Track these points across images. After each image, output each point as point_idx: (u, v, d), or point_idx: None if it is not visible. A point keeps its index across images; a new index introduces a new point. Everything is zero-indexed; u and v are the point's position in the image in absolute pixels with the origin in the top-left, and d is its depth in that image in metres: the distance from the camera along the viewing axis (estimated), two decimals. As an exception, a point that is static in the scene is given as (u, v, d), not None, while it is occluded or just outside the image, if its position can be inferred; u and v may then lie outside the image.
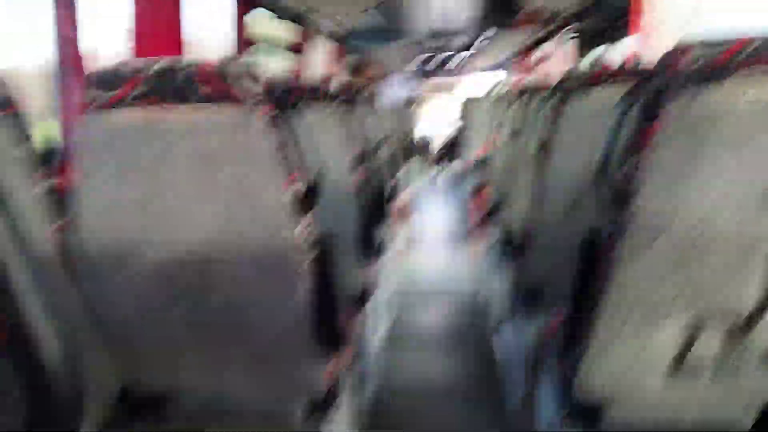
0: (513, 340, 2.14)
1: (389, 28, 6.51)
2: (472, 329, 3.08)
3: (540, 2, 5.61)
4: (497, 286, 2.89)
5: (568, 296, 1.89)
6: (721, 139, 0.90)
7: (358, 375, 2.13)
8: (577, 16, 5.25)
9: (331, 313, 1.25)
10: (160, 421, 1.37)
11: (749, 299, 1.05)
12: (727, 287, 1.04)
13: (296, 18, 4.17)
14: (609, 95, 1.59)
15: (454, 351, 2.84)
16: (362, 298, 2.07)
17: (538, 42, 7.32)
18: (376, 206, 2.18)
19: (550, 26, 5.87)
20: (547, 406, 1.42)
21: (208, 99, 0.98)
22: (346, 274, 1.95)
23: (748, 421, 1.22)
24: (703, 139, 0.91)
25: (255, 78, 0.99)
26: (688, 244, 0.99)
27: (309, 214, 1.11)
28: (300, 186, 1.07)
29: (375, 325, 2.38)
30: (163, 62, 0.98)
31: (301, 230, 1.09)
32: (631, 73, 1.56)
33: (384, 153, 2.44)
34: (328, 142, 1.71)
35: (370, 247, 1.96)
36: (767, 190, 0.93)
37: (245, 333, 1.22)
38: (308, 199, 1.10)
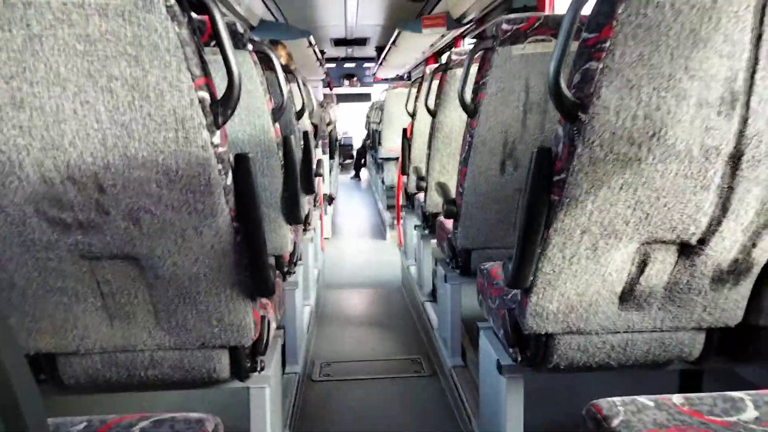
0: (449, 302, 2.13)
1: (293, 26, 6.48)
2: (399, 310, 3.08)
3: (447, 5, 5.82)
4: (426, 260, 2.90)
5: (506, 246, 1.92)
6: (675, 41, 0.86)
7: (284, 342, 2.02)
8: (483, 19, 5.49)
9: (256, 253, 1.07)
10: (54, 385, 1.18)
11: (702, 219, 1.02)
12: (680, 207, 1.00)
13: None
14: (534, 47, 1.64)
15: (385, 326, 2.82)
16: (290, 260, 1.96)
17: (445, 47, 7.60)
18: (302, 174, 2.08)
19: (456, 29, 6.10)
20: (493, 352, 1.39)
21: None
22: (271, 229, 1.82)
23: (698, 346, 1.21)
24: (657, 44, 0.86)
25: None
26: (641, 161, 0.94)
27: (221, 128, 0.94)
28: (209, 92, 0.90)
29: (301, 297, 2.28)
30: None
31: (216, 144, 0.92)
32: (553, 22, 1.60)
33: (308, 135, 2.36)
34: (244, 84, 1.57)
35: (296, 211, 1.86)
36: (725, 96, 0.89)
37: (152, 271, 1.04)
38: (222, 110, 0.92)
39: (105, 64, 0.83)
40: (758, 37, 0.86)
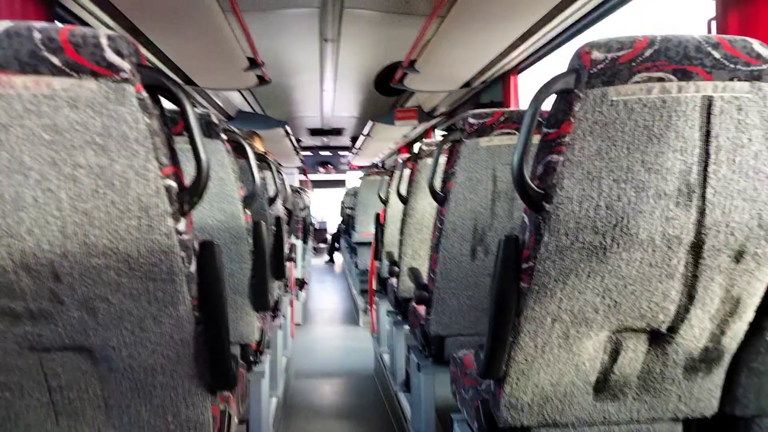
0: (422, 392, 2.05)
1: (270, 116, 6.69)
2: (372, 400, 2.96)
3: (418, 100, 6.11)
4: (399, 347, 2.83)
5: (479, 333, 1.89)
6: (630, 137, 0.90)
7: None
8: (453, 113, 5.75)
9: (217, 342, 1.03)
10: None
11: (670, 307, 1.02)
12: (647, 295, 1.01)
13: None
14: (500, 139, 1.71)
15: (357, 418, 2.69)
16: (257, 348, 1.88)
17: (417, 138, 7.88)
18: (273, 259, 2.05)
19: (428, 121, 6.36)
20: None
21: (63, 70, 0.81)
22: (238, 316, 1.77)
23: None
24: (614, 139, 0.90)
25: (122, 52, 0.81)
26: (606, 250, 0.95)
27: (187, 216, 0.93)
28: (176, 181, 0.89)
29: (267, 387, 2.17)
30: (6, 25, 0.81)
31: (181, 231, 0.91)
32: (518, 117, 1.68)
33: (280, 221, 2.37)
34: (214, 172, 1.59)
35: (264, 298, 1.81)
36: (682, 188, 0.92)
37: (106, 363, 0.99)
38: (189, 198, 0.91)
39: (71, 153, 0.83)
40: (707, 134, 0.91)
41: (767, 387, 1.13)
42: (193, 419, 1.06)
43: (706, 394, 1.12)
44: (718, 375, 1.12)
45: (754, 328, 1.07)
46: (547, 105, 0.97)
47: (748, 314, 1.04)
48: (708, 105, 0.90)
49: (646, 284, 0.99)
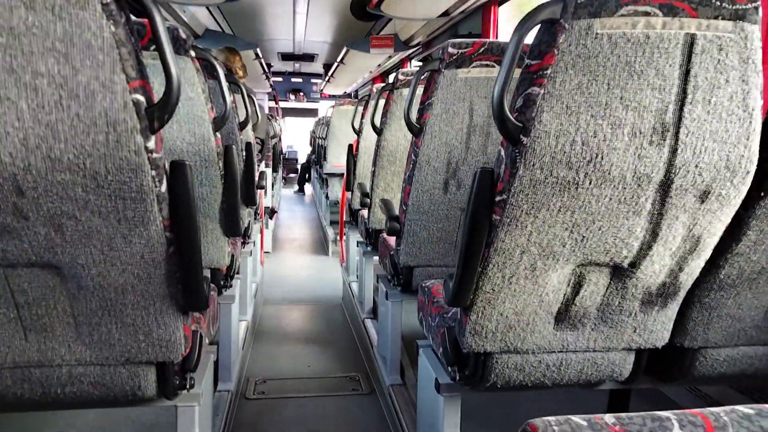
0: (390, 320, 2.12)
1: (239, 37, 6.40)
2: (339, 327, 3.04)
3: (395, 28, 5.92)
4: (368, 277, 2.89)
5: (447, 264, 1.94)
6: (612, 72, 0.90)
7: (216, 359, 1.95)
8: (429, 43, 5.61)
9: (189, 265, 1.03)
10: None
11: (634, 243, 1.05)
12: (613, 231, 1.03)
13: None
14: (479, 71, 1.69)
15: (324, 343, 2.77)
16: (227, 273, 1.89)
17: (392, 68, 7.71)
18: (243, 186, 2.02)
19: (404, 51, 6.21)
20: (432, 371, 1.39)
21: None
22: (209, 241, 1.76)
23: (628, 366, 1.25)
24: (595, 73, 0.90)
25: None
26: (578, 186, 0.97)
27: (157, 134, 0.89)
28: (145, 95, 0.85)
29: (237, 311, 2.21)
30: None
31: (150, 149, 0.87)
32: (498, 49, 1.65)
33: (251, 147, 2.32)
34: (183, 91, 1.51)
35: (235, 224, 1.80)
36: (657, 127, 0.93)
37: (75, 281, 0.97)
38: (159, 114, 0.87)
39: (30, 59, 0.78)
40: (686, 72, 0.91)
41: (716, 321, 1.21)
42: (164, 338, 1.07)
43: (660, 327, 1.19)
44: (672, 309, 1.18)
45: (710, 265, 1.13)
46: (529, 39, 0.95)
47: (706, 252, 1.09)
48: (690, 43, 0.90)
49: (613, 220, 1.02)
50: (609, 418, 0.93)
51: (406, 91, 2.28)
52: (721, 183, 0.99)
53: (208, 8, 5.24)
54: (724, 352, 1.27)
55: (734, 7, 0.89)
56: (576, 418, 0.94)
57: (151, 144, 0.88)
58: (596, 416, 0.95)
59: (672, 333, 1.22)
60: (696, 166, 0.96)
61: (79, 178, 0.86)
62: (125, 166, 0.86)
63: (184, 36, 1.49)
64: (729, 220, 1.06)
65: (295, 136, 12.77)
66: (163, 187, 0.93)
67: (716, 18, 0.89)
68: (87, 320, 1.02)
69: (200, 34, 5.84)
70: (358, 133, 3.25)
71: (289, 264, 4.57)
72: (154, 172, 0.89)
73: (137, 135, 0.84)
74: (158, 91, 0.87)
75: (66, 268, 0.96)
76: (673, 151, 0.95)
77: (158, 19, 0.84)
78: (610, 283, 1.13)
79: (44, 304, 1.00)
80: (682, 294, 1.16)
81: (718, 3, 0.89)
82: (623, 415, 0.93)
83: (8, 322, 1.01)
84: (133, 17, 0.86)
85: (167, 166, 0.95)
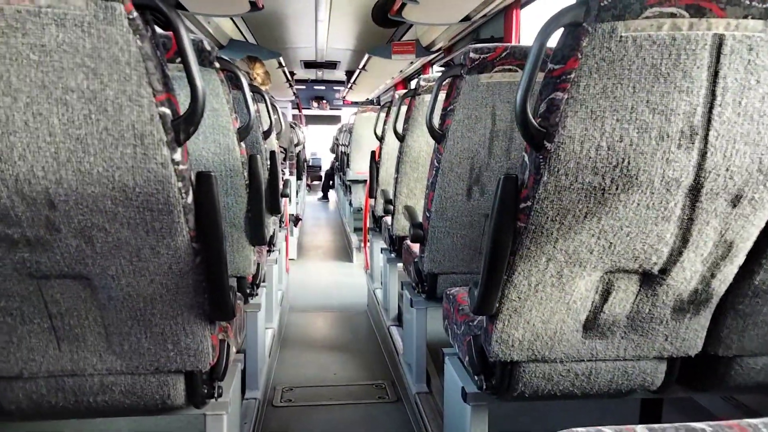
0: (414, 327, 2.11)
1: (262, 47, 6.48)
2: (364, 334, 3.04)
3: (416, 34, 5.92)
4: (392, 284, 2.88)
5: (472, 271, 1.92)
6: (637, 76, 0.88)
7: (244, 367, 1.96)
8: (451, 48, 5.59)
9: (215, 274, 1.04)
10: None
11: (663, 249, 1.03)
12: (642, 237, 1.01)
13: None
14: (501, 76, 1.67)
15: (349, 351, 2.77)
16: (253, 281, 1.91)
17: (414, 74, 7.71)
18: (268, 194, 2.04)
19: (425, 56, 6.20)
20: (458, 379, 1.37)
21: None
22: (234, 249, 1.78)
23: (660, 375, 1.22)
24: (620, 77, 0.88)
25: None
26: (604, 191, 0.95)
27: (183, 146, 0.91)
28: (171, 108, 0.87)
29: (263, 319, 2.23)
30: None
31: (177, 161, 0.89)
32: (520, 53, 1.64)
33: (274, 155, 2.34)
34: (208, 102, 1.54)
35: (260, 232, 1.82)
36: (685, 130, 0.91)
37: (105, 291, 0.99)
38: (184, 126, 0.89)
39: (61, 75, 0.80)
40: (715, 74, 0.89)
41: (751, 329, 1.17)
42: (192, 347, 1.08)
43: (692, 335, 1.16)
44: (705, 316, 1.15)
45: (744, 271, 1.09)
46: (552, 42, 0.94)
47: (739, 258, 1.06)
48: (718, 44, 0.87)
49: (641, 226, 1.00)
50: (641, 429, 0.90)
51: (428, 97, 2.27)
52: (754, 186, 0.96)
53: (232, 18, 5.31)
54: (761, 360, 1.22)
55: (764, 6, 0.87)
56: (607, 429, 0.91)
57: (178, 156, 0.89)
58: (627, 427, 0.93)
59: (705, 341, 1.18)
60: (727, 170, 0.93)
61: (109, 191, 0.87)
62: (152, 179, 0.87)
63: (208, 48, 1.51)
64: (763, 224, 1.02)
65: (318, 144, 12.86)
66: (190, 198, 0.94)
67: (745, 17, 0.87)
68: (117, 330, 1.04)
69: (224, 45, 5.93)
70: (381, 139, 3.26)
71: (313, 271, 4.60)
72: (180, 184, 0.90)
73: (164, 147, 0.86)
74: (183, 103, 0.88)
75: (96, 279, 0.98)
76: (703, 155, 0.92)
77: (183, 32, 0.86)
78: (639, 290, 1.10)
79: (76, 314, 1.02)
80: (715, 301, 1.13)
81: (747, 2, 0.86)
82: (656, 426, 0.91)
83: (42, 332, 1.03)
84: (158, 30, 0.88)
85: (193, 177, 0.96)
